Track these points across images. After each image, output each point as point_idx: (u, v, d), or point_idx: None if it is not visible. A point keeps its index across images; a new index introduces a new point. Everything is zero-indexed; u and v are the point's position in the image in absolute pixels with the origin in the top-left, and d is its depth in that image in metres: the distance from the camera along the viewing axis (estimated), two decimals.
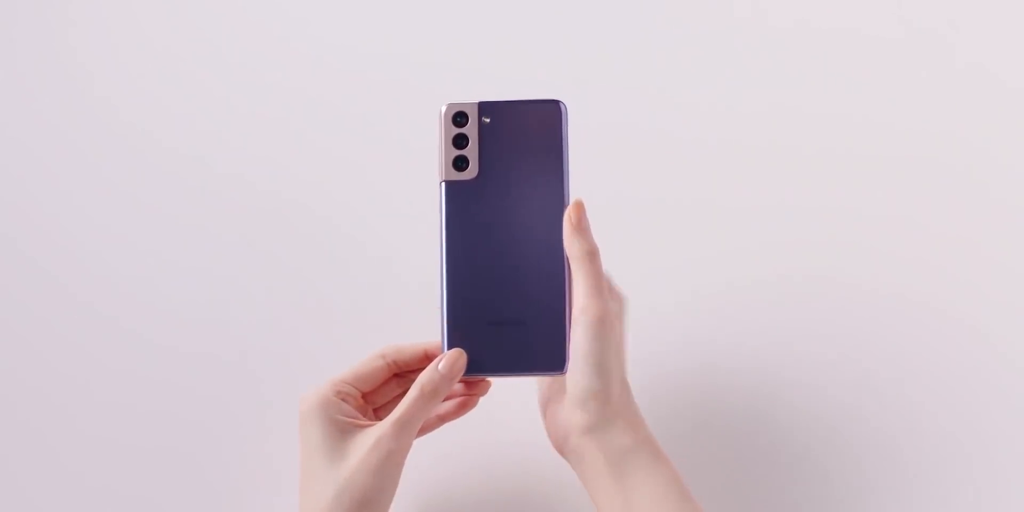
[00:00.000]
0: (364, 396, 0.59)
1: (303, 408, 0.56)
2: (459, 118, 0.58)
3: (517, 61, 0.77)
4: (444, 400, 0.58)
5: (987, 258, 0.70)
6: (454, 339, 0.57)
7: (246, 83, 0.79)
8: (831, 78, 0.74)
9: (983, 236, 0.71)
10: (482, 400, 0.61)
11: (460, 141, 0.58)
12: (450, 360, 0.56)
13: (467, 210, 0.57)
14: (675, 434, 0.64)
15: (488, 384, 0.60)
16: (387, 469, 0.54)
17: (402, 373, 0.60)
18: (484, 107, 0.58)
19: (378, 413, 0.60)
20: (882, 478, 0.66)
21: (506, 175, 0.57)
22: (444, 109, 0.58)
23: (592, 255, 0.55)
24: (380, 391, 0.60)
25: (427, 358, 0.58)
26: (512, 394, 0.62)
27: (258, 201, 0.76)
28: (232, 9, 0.80)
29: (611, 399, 0.54)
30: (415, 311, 0.67)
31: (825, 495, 0.66)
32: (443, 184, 0.57)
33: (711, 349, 0.69)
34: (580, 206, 0.56)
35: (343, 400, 0.56)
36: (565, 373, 0.56)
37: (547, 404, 0.58)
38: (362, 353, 0.60)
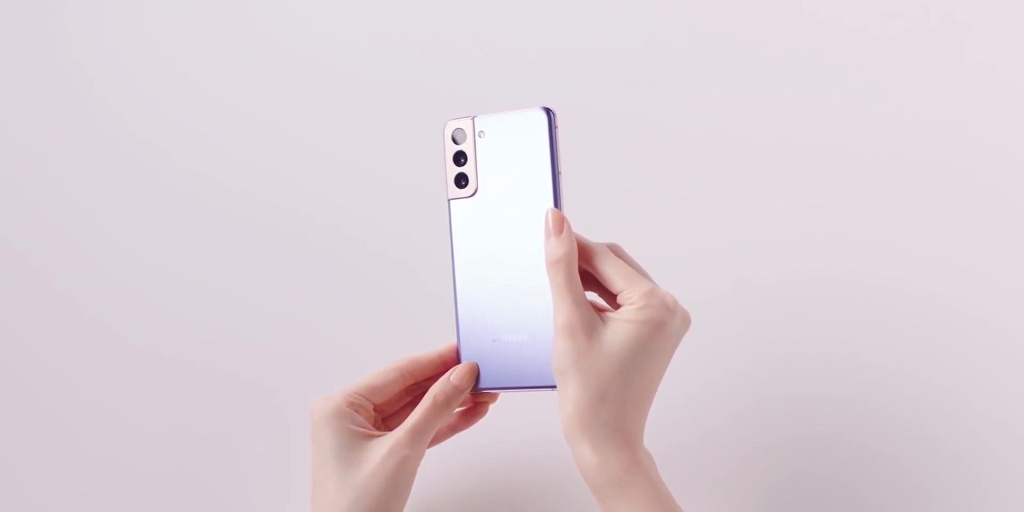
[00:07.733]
0: (375, 407, 0.59)
1: (315, 416, 0.57)
2: (457, 135, 0.58)
3: (525, 61, 0.76)
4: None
5: (997, 255, 0.68)
6: (468, 353, 0.58)
7: (252, 91, 0.79)
8: (837, 75, 0.73)
9: (993, 233, 0.69)
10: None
11: (459, 158, 0.58)
12: (462, 372, 0.57)
13: (470, 227, 0.57)
14: (677, 433, 0.65)
15: (496, 393, 0.61)
16: (401, 476, 0.55)
17: (415, 383, 0.60)
18: (478, 121, 0.57)
19: (387, 423, 0.60)
20: (889, 475, 0.66)
21: (501, 189, 0.57)
22: (446, 126, 0.58)
23: (560, 263, 0.54)
24: (391, 401, 0.60)
25: (442, 365, 0.59)
26: (517, 400, 0.62)
27: (266, 208, 0.77)
28: (239, 17, 0.81)
29: (578, 413, 0.52)
30: (429, 318, 0.68)
31: (833, 492, 0.66)
32: (449, 202, 0.58)
33: (720, 347, 0.69)
34: (555, 213, 0.55)
35: (355, 411, 0.57)
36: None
37: None
38: (375, 360, 0.61)
